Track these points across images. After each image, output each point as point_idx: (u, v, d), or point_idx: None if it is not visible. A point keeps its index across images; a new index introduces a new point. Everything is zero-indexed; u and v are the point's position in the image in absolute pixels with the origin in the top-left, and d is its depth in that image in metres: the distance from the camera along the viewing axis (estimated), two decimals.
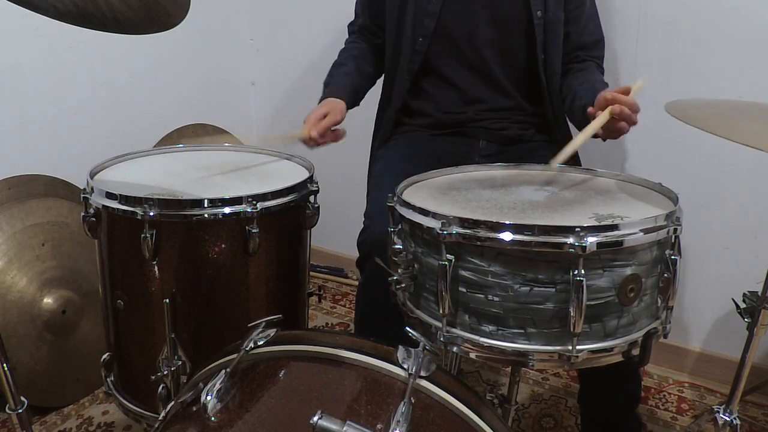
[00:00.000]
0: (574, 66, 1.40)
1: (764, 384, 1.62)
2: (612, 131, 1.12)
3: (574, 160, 1.43)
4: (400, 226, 0.93)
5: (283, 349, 0.80)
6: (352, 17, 1.60)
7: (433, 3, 1.36)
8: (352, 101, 1.45)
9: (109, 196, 1.06)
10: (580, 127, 1.31)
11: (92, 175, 1.17)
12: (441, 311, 0.84)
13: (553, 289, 0.79)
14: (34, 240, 1.54)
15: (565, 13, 1.36)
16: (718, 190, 1.67)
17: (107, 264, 1.14)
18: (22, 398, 0.94)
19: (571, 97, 1.34)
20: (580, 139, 1.07)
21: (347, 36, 1.61)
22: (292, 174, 1.23)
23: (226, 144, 1.48)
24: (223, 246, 1.07)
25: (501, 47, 1.38)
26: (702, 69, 1.61)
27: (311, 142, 1.30)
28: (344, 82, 1.45)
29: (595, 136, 1.12)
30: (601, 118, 1.09)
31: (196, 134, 2.15)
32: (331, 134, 1.33)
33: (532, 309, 0.80)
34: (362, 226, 1.25)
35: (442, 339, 0.86)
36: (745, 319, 1.01)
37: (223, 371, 0.75)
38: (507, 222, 0.78)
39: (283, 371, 0.78)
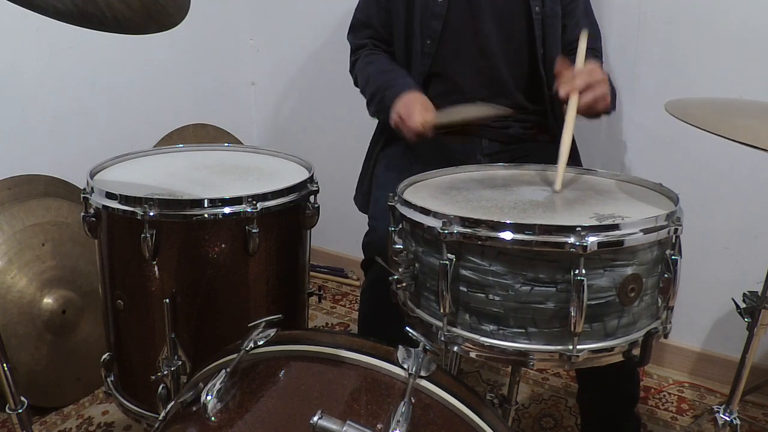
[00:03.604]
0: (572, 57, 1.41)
1: (764, 384, 1.62)
2: (588, 110, 1.13)
3: (574, 161, 1.43)
4: (400, 226, 0.93)
5: (283, 349, 0.80)
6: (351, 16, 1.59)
7: (440, 4, 1.36)
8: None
9: (109, 196, 1.06)
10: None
11: (92, 175, 1.17)
12: (441, 311, 0.84)
13: (554, 289, 0.79)
14: (34, 240, 1.54)
15: (561, 7, 1.38)
16: (718, 190, 1.67)
17: (107, 264, 1.14)
18: (22, 398, 0.93)
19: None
20: (564, 150, 1.06)
21: (350, 54, 1.53)
22: (292, 174, 1.23)
23: (226, 144, 1.48)
24: (223, 246, 1.07)
25: (505, 43, 1.38)
26: (702, 69, 1.61)
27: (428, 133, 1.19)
28: (408, 81, 1.35)
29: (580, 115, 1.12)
30: (571, 114, 1.09)
31: (196, 134, 2.15)
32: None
33: (532, 308, 0.80)
34: (366, 227, 1.24)
35: (442, 338, 0.86)
36: (745, 319, 1.01)
37: (223, 371, 0.75)
38: (508, 221, 0.78)
39: (283, 371, 0.78)
